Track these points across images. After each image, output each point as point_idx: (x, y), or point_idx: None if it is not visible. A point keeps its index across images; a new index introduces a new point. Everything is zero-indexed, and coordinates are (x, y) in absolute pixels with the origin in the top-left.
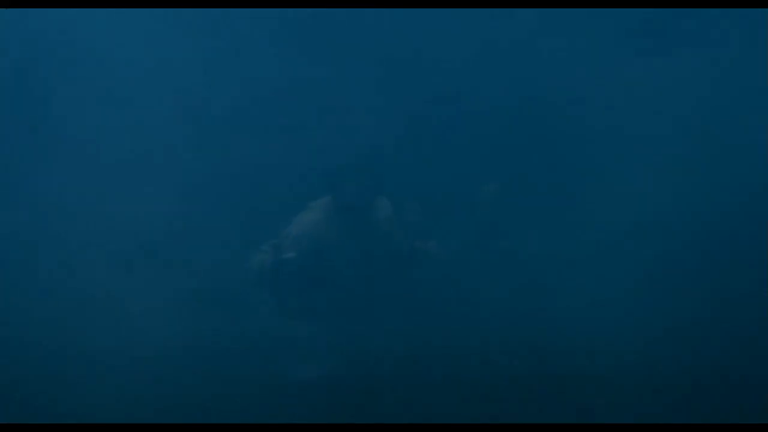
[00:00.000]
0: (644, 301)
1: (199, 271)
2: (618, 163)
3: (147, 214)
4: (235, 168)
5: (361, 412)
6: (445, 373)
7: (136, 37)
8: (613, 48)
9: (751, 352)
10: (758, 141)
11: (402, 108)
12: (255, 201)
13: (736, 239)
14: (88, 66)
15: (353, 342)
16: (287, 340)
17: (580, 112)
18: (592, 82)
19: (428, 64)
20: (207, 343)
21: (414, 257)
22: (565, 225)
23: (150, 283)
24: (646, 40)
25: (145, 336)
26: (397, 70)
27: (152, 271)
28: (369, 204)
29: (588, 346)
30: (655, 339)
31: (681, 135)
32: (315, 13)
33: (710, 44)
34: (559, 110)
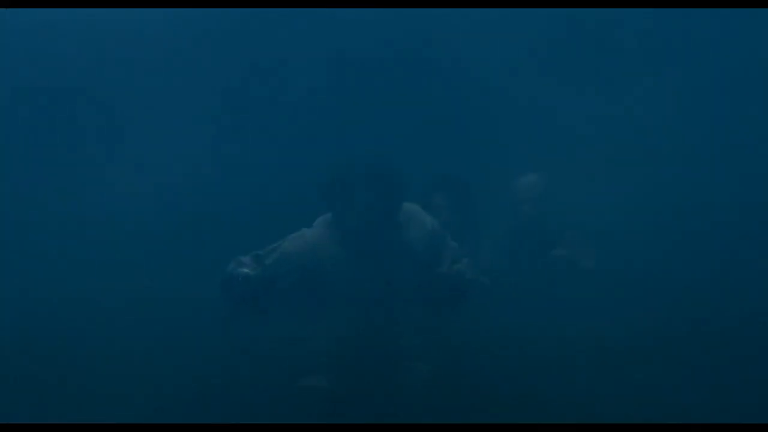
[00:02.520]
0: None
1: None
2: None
3: (150, 222)
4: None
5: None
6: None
7: (133, 38)
8: (625, 48)
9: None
10: (760, 141)
11: (413, 110)
12: (263, 210)
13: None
14: (82, 71)
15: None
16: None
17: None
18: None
19: (438, 66)
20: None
21: (443, 275)
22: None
23: (151, 288)
24: (658, 40)
25: (144, 339)
26: (405, 71)
27: (153, 277)
28: (389, 212)
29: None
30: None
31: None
32: (317, 13)
33: (716, 44)
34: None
